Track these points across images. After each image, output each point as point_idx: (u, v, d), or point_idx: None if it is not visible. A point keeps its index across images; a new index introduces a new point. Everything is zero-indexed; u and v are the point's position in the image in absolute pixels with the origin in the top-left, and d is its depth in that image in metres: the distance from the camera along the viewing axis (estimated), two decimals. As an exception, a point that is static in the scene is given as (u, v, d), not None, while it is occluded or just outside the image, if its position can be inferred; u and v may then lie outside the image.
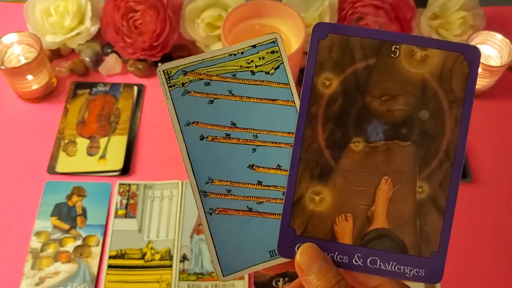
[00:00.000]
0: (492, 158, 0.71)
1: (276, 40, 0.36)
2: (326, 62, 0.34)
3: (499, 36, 0.74)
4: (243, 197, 0.34)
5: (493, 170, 0.70)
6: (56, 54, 0.79)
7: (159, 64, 0.31)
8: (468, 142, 0.72)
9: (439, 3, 0.77)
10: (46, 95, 0.75)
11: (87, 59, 0.77)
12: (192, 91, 0.34)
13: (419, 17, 0.78)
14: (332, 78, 0.34)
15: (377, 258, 0.33)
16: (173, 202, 0.66)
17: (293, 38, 0.72)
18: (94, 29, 0.78)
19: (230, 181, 0.34)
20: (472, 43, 0.74)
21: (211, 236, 0.34)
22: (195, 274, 0.61)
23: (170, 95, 0.34)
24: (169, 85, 0.34)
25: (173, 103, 0.34)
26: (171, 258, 0.62)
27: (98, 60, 0.78)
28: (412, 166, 0.33)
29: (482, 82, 0.73)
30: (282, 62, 0.35)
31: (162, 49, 0.76)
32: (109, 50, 0.79)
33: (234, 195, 0.34)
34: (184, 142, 0.34)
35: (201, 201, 0.34)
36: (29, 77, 0.71)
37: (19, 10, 0.80)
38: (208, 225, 0.34)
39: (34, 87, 0.73)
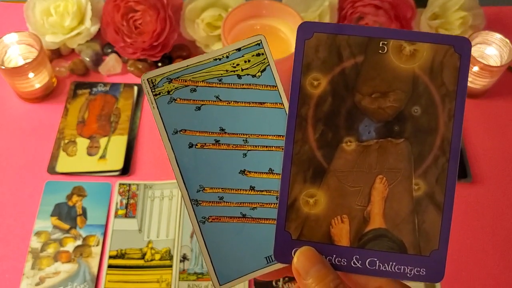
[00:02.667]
0: (492, 158, 0.71)
1: (261, 42, 0.35)
2: (313, 62, 0.33)
3: (499, 36, 0.74)
4: (236, 203, 0.33)
5: (493, 170, 0.70)
6: (56, 54, 0.79)
7: (143, 74, 0.31)
8: (468, 142, 0.72)
9: (439, 3, 0.77)
10: (46, 95, 0.75)
11: (87, 59, 0.77)
12: (178, 99, 0.34)
13: (419, 17, 0.78)
14: (320, 78, 0.33)
15: (376, 259, 0.32)
16: (173, 202, 0.66)
17: (293, 38, 0.72)
18: (94, 29, 0.78)
19: (222, 188, 0.33)
20: (472, 43, 0.74)
21: (205, 245, 0.33)
22: (195, 274, 0.61)
23: (156, 104, 0.34)
24: (154, 93, 0.34)
25: (159, 111, 0.34)
26: (171, 258, 0.62)
27: (98, 60, 0.78)
28: (407, 163, 0.33)
29: (482, 82, 0.73)
30: (269, 64, 0.35)
31: (162, 49, 0.76)
32: (109, 50, 0.79)
33: (226, 202, 0.33)
34: (173, 151, 0.34)
35: (193, 210, 0.33)
36: (29, 77, 0.71)
37: (19, 10, 0.80)
38: (202, 234, 0.33)
39: (34, 87, 0.73)
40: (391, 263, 0.32)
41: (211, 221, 0.33)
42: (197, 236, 0.33)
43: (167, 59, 0.78)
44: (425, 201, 0.32)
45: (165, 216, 0.65)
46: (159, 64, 0.78)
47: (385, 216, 0.32)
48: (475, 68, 0.72)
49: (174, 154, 0.34)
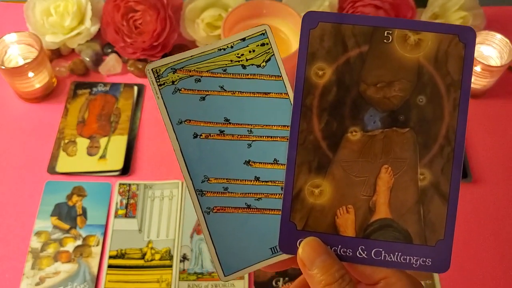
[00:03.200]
0: (492, 158, 0.71)
1: (265, 32, 0.35)
2: (318, 51, 0.33)
3: (499, 36, 0.74)
4: (240, 194, 0.33)
5: (493, 170, 0.70)
6: (56, 54, 0.79)
7: (148, 64, 0.31)
8: (468, 142, 0.72)
9: (439, 3, 0.77)
10: (46, 95, 0.75)
11: (87, 59, 0.77)
12: (182, 89, 0.34)
13: (419, 17, 0.78)
14: (325, 68, 0.33)
15: (381, 250, 0.32)
16: (173, 202, 0.66)
17: (293, 38, 0.72)
18: (94, 29, 0.78)
19: (226, 179, 0.33)
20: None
21: (210, 236, 0.33)
22: (195, 274, 0.61)
23: (161, 94, 0.34)
24: (158, 83, 0.34)
25: (163, 102, 0.34)
26: (171, 258, 0.62)
27: (98, 60, 0.78)
28: (412, 153, 0.32)
29: (482, 82, 0.73)
30: (273, 54, 0.35)
31: (162, 49, 0.76)
32: (109, 50, 0.79)
33: (231, 193, 0.33)
34: (178, 141, 0.34)
35: (198, 201, 0.33)
36: (29, 77, 0.71)
37: (19, 10, 0.80)
38: (207, 225, 0.33)
39: (34, 87, 0.73)
40: (396, 253, 0.32)
41: (215, 212, 0.33)
42: (201, 226, 0.33)
43: (167, 59, 0.78)
44: (430, 191, 0.32)
45: (165, 216, 0.65)
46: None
47: (391, 206, 0.32)
48: (476, 68, 0.72)
49: (178, 144, 0.34)
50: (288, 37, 0.72)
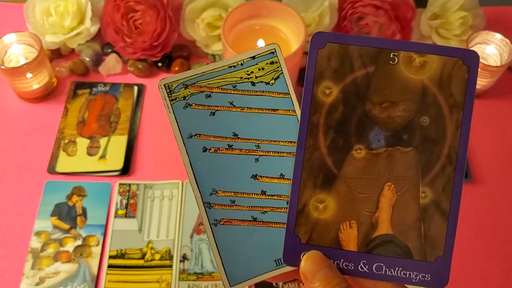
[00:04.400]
0: (492, 158, 0.71)
1: (275, 50, 0.36)
2: (325, 71, 0.34)
3: (499, 36, 0.74)
4: (247, 207, 0.34)
5: (493, 170, 0.70)
6: (56, 54, 0.79)
7: (161, 79, 0.32)
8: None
9: (439, 3, 0.77)
10: (46, 95, 0.75)
11: (87, 59, 0.77)
12: (193, 104, 0.35)
13: (419, 17, 0.78)
14: (332, 87, 0.34)
15: (382, 264, 0.33)
16: (173, 202, 0.66)
17: (293, 38, 0.72)
18: (94, 29, 0.78)
19: (234, 192, 0.34)
20: (472, 43, 0.74)
21: (217, 247, 0.34)
22: (195, 274, 0.61)
23: (172, 109, 0.35)
24: (170, 98, 0.35)
25: (175, 116, 0.35)
26: (171, 258, 0.62)
27: (98, 60, 0.78)
28: (415, 171, 0.33)
29: (482, 82, 0.73)
30: (282, 72, 0.36)
31: (162, 49, 0.76)
32: (109, 50, 0.79)
33: (238, 206, 0.34)
34: (187, 155, 0.34)
35: (206, 213, 0.34)
36: (29, 77, 0.71)
37: (19, 10, 0.80)
38: (214, 236, 0.34)
39: (34, 87, 0.73)
40: (397, 268, 0.33)
41: (222, 224, 0.34)
42: (209, 237, 0.34)
43: (167, 59, 0.78)
44: (431, 208, 0.33)
45: (165, 216, 0.65)
46: (159, 64, 0.78)
47: (393, 223, 0.33)
48: (475, 68, 0.72)
49: (188, 157, 0.35)
50: (288, 37, 0.72)
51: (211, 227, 0.34)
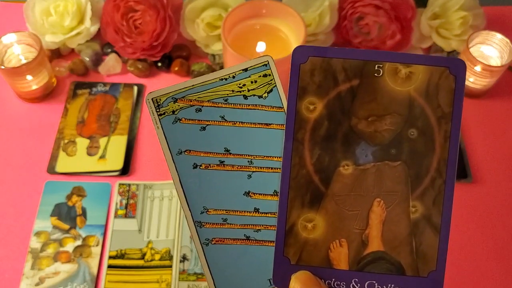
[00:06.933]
0: (492, 158, 0.71)
1: (268, 63, 0.35)
2: (308, 86, 0.33)
3: (499, 36, 0.74)
4: (239, 225, 0.33)
5: (493, 170, 0.70)
6: (56, 54, 0.79)
7: (148, 93, 0.31)
8: (468, 142, 0.72)
9: (439, 3, 0.77)
10: (46, 95, 0.75)
11: (87, 59, 0.77)
12: (183, 119, 0.33)
13: (419, 17, 0.78)
14: (316, 102, 0.33)
15: (375, 282, 0.32)
16: (173, 202, 0.66)
17: (293, 38, 0.72)
18: (94, 29, 0.78)
19: (226, 210, 0.33)
20: (472, 43, 0.74)
21: (208, 267, 0.33)
22: (195, 274, 0.61)
23: (160, 124, 0.33)
24: (158, 113, 0.33)
25: (163, 132, 0.33)
26: (171, 258, 0.62)
27: (98, 60, 0.78)
28: (404, 186, 0.33)
29: (482, 82, 0.73)
30: (275, 85, 0.34)
31: (162, 49, 0.76)
32: (109, 50, 0.79)
33: (230, 224, 0.33)
34: (177, 172, 0.33)
35: (197, 232, 0.33)
36: (29, 77, 0.71)
37: (19, 10, 0.80)
38: (205, 257, 0.33)
39: (34, 87, 0.73)
40: (389, 285, 0.32)
41: (214, 243, 0.33)
42: (200, 258, 0.33)
43: (167, 59, 0.78)
44: (422, 223, 0.33)
45: (165, 216, 0.65)
46: (159, 64, 0.78)
47: (383, 239, 0.33)
48: (476, 68, 0.72)
49: (178, 175, 0.33)
50: (288, 37, 0.72)
51: (202, 247, 0.33)
